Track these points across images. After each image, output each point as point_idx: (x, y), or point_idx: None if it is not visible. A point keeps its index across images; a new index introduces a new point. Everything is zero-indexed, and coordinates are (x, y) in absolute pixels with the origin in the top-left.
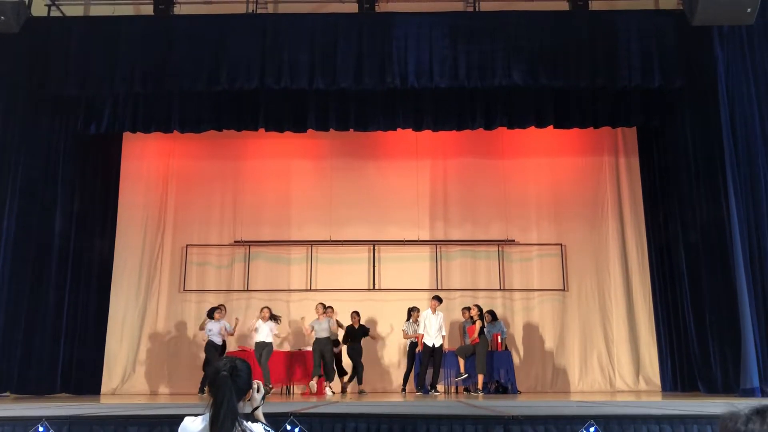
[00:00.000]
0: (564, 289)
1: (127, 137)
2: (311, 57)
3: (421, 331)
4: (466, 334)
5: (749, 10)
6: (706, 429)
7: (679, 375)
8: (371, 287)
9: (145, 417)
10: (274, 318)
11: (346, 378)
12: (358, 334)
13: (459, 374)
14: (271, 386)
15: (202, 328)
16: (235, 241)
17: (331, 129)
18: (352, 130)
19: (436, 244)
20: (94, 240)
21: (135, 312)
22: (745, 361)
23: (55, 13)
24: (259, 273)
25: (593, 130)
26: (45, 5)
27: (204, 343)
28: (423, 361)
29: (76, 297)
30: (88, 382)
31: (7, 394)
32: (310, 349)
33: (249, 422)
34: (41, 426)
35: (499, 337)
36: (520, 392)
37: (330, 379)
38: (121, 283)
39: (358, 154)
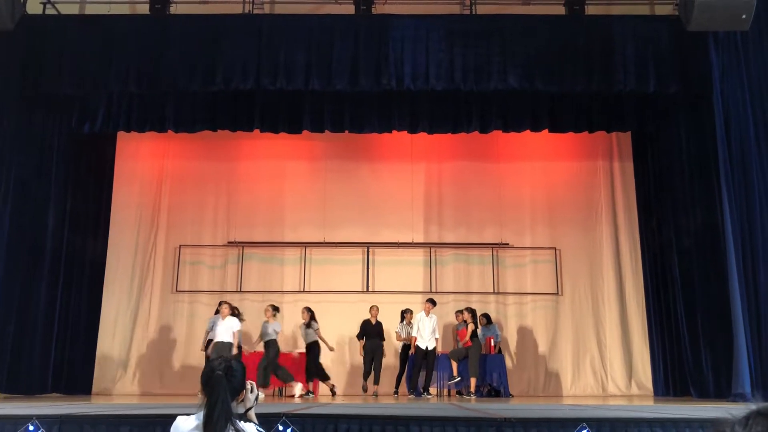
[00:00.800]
0: (558, 293)
1: (122, 137)
2: (307, 58)
3: (414, 334)
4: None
5: (744, 16)
6: None
7: (671, 380)
8: (365, 289)
9: (136, 416)
10: (235, 314)
11: (329, 382)
12: (373, 330)
13: (452, 377)
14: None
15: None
16: (229, 242)
17: (326, 130)
18: (347, 131)
19: (430, 247)
20: (87, 239)
21: (127, 312)
22: (737, 366)
23: (50, 11)
24: (253, 274)
25: (588, 134)
26: (40, 3)
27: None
28: (416, 364)
29: (69, 296)
30: (80, 382)
31: None
32: (303, 351)
33: (242, 422)
34: (31, 425)
35: (492, 341)
36: (513, 396)
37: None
38: (113, 282)
39: (353, 156)
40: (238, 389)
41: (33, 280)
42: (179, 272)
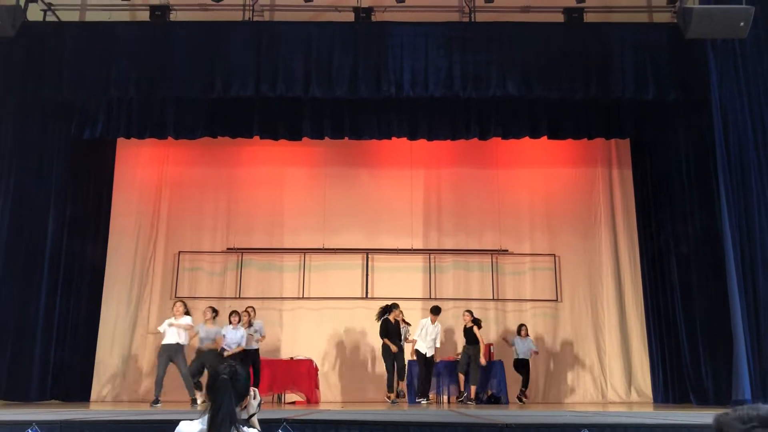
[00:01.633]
0: (557, 300)
1: (121, 143)
2: (307, 65)
3: (416, 337)
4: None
5: (742, 23)
6: None
7: (670, 386)
8: (364, 296)
9: (136, 422)
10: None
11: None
12: (393, 330)
13: (460, 393)
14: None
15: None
16: (228, 249)
17: (325, 137)
18: (347, 138)
19: (429, 253)
20: (87, 246)
21: (126, 318)
22: (737, 372)
23: (50, 18)
24: (252, 280)
25: (587, 141)
26: (41, 10)
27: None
28: (420, 369)
29: (67, 303)
30: (78, 389)
31: None
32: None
33: (245, 427)
34: (31, 430)
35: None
36: (512, 402)
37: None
38: (112, 289)
39: (353, 163)
40: (243, 394)
41: (32, 287)
42: (178, 278)
